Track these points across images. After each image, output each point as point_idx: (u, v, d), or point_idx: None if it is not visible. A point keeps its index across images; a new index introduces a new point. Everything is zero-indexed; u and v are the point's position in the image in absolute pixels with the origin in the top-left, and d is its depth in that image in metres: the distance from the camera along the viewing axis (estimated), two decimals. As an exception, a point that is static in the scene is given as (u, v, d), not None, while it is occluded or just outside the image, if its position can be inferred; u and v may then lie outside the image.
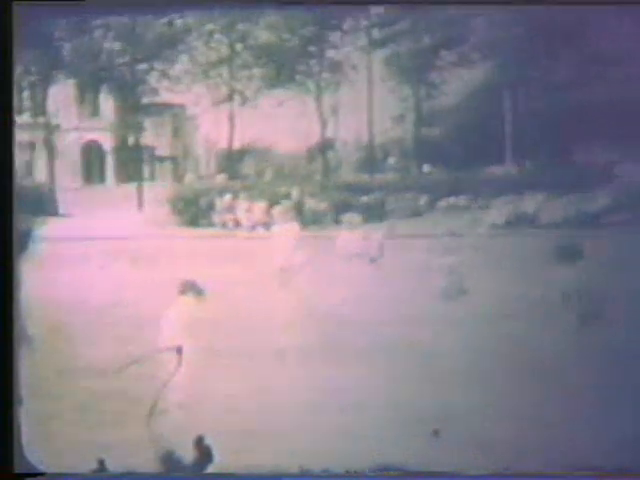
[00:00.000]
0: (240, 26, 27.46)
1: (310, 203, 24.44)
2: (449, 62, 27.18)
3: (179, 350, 10.30)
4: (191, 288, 12.86)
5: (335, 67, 27.74)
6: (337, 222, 23.85)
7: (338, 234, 22.00)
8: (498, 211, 22.92)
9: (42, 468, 8.85)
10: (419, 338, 13.42)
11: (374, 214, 24.20)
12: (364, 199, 24.59)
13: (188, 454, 8.84)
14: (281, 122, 26.10)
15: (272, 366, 10.99)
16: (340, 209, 24.12)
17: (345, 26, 28.01)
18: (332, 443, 8.97)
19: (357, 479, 8.29)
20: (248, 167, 26.86)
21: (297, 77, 27.62)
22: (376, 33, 27.78)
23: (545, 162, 24.37)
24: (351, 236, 21.86)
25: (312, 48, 27.82)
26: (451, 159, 25.65)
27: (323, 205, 24.44)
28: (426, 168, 26.31)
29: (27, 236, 16.37)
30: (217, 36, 27.38)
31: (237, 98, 27.43)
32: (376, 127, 27.17)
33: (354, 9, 27.82)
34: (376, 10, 27.90)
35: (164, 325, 11.72)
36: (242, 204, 24.44)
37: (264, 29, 27.62)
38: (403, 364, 11.89)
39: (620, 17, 24.39)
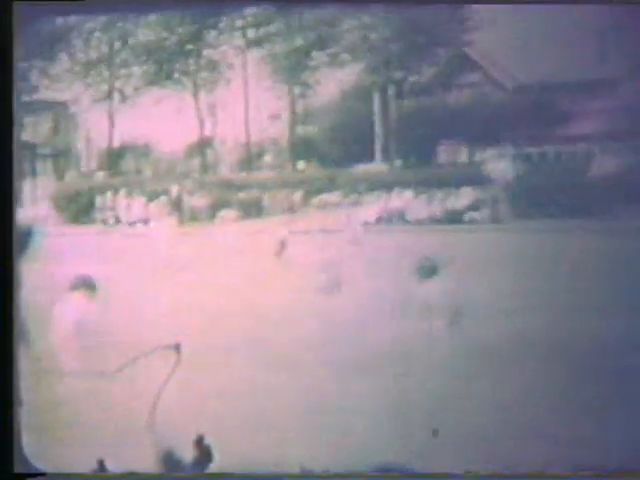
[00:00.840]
0: (120, 25, 27.74)
1: (189, 200, 25.01)
2: (321, 62, 27.92)
3: (177, 348, 10.18)
4: (83, 284, 12.95)
5: (212, 66, 28.18)
6: (215, 218, 24.39)
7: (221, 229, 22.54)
8: (369, 207, 23.80)
9: (42, 468, 8.83)
10: (300, 333, 13.55)
11: (250, 210, 24.88)
12: (241, 196, 25.29)
13: (188, 454, 8.75)
14: (160, 120, 26.44)
15: (167, 362, 11.04)
16: (218, 206, 24.69)
17: (221, 25, 28.50)
18: (332, 443, 8.96)
19: (357, 479, 8.29)
20: (128, 164, 27.12)
21: (175, 75, 28.02)
22: (251, 33, 28.30)
23: (413, 161, 25.36)
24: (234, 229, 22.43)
25: (190, 47, 28.21)
26: (324, 157, 26.43)
27: (201, 202, 24.97)
28: (300, 165, 27.12)
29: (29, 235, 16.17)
30: (97, 34, 27.63)
31: (117, 96, 27.79)
32: (253, 125, 27.80)
33: (230, 8, 28.36)
34: (251, 10, 28.43)
35: (57, 322, 11.79)
36: (122, 201, 24.87)
37: (144, 28, 27.98)
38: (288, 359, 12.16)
39: (493, 18, 25.68)
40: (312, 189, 25.03)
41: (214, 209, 24.55)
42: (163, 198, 24.57)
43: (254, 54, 28.15)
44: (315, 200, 24.65)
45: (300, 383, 10.68)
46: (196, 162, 27.35)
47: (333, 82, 27.61)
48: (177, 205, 24.50)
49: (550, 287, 16.54)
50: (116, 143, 27.00)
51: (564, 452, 8.27)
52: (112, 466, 8.69)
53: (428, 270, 15.03)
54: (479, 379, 10.67)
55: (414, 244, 20.40)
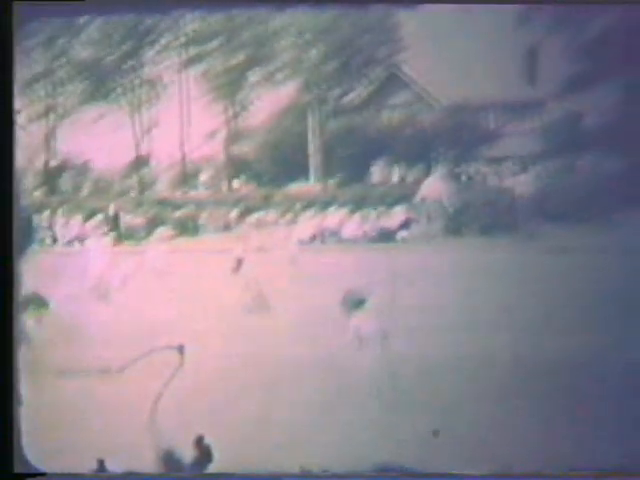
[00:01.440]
0: (60, 41, 27.74)
1: (126, 218, 25.17)
2: (257, 81, 28.22)
3: (180, 349, 10.13)
4: (34, 301, 12.93)
5: (150, 83, 28.31)
6: (151, 236, 24.52)
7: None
8: (304, 226, 24.12)
9: (42, 468, 8.98)
10: (228, 352, 13.54)
11: (187, 228, 25.11)
12: (177, 214, 25.61)
13: (188, 454, 8.66)
14: (98, 138, 26.50)
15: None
16: (154, 224, 24.84)
17: (162, 42, 28.63)
18: (332, 443, 8.91)
19: (357, 479, 8.43)
20: (65, 183, 27.14)
21: (114, 93, 28.16)
22: (189, 51, 28.50)
23: (347, 180, 25.74)
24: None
25: (129, 64, 28.29)
26: (260, 175, 26.72)
27: (138, 220, 25.16)
28: (236, 184, 27.39)
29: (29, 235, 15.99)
30: (38, 50, 27.56)
31: (55, 113, 27.85)
32: (189, 144, 27.92)
33: (170, 25, 28.54)
34: (191, 27, 28.61)
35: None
36: (60, 220, 24.95)
37: (84, 44, 28.01)
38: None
39: (425, 39, 26.20)
40: (248, 208, 25.29)
41: (150, 227, 24.69)
42: (100, 216, 24.73)
43: (191, 72, 28.35)
44: (251, 219, 24.88)
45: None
46: (133, 180, 27.54)
47: (269, 101, 27.94)
48: (114, 223, 24.69)
49: (482, 303, 16.84)
50: (53, 162, 27.08)
51: (564, 452, 8.49)
52: (112, 466, 8.70)
53: (355, 302, 15.41)
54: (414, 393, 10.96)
55: (348, 263, 20.75)
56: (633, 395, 9.31)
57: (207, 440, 8.80)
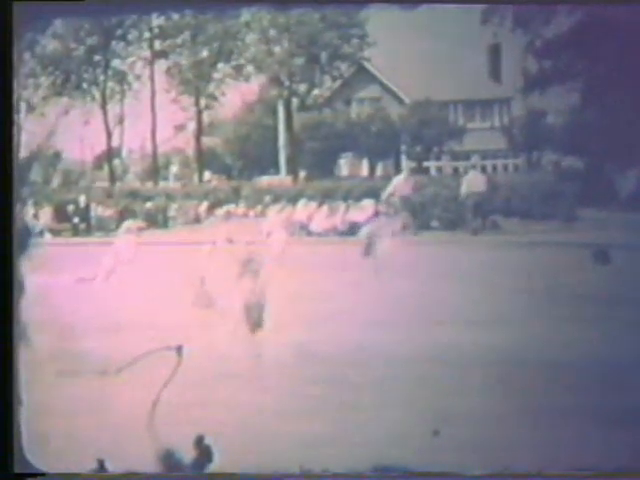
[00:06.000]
0: (27, 35, 27.39)
1: (96, 210, 25.23)
2: (226, 74, 28.47)
3: (179, 349, 9.98)
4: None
5: (119, 76, 28.59)
6: (119, 228, 24.49)
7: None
8: (274, 218, 24.22)
9: (42, 468, 8.67)
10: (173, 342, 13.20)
11: (156, 220, 25.19)
12: (147, 206, 25.57)
13: (188, 454, 8.45)
14: (68, 130, 26.58)
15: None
16: (124, 216, 24.82)
17: (129, 37, 28.84)
18: (332, 443, 8.90)
19: (357, 479, 8.34)
20: (36, 174, 27.09)
21: (83, 85, 28.33)
22: (158, 44, 28.68)
23: (316, 173, 26.03)
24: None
25: (97, 57, 28.53)
26: (230, 168, 26.90)
27: (108, 212, 25.21)
28: (206, 176, 27.54)
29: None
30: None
31: (23, 106, 27.68)
32: (159, 136, 28.35)
33: (137, 20, 28.65)
34: (157, 22, 28.76)
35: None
36: (29, 211, 24.92)
37: (50, 38, 28.06)
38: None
39: (392, 35, 26.53)
40: (217, 200, 25.43)
41: (121, 219, 24.67)
42: (70, 208, 24.76)
43: (161, 65, 28.65)
44: (220, 211, 24.96)
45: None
46: (104, 172, 27.59)
47: (238, 94, 28.22)
48: (84, 215, 24.74)
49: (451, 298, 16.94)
50: (23, 153, 26.85)
51: (564, 452, 8.55)
52: (112, 466, 8.58)
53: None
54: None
55: (317, 256, 20.87)
56: (633, 394, 9.55)
57: (207, 440, 8.76)
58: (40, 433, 9.07)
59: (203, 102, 28.27)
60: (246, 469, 8.46)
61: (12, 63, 9.26)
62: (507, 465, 8.01)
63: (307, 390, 10.46)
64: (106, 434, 9.31)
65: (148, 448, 8.90)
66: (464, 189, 22.60)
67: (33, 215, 24.92)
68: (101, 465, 8.89)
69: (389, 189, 22.89)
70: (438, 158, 26.72)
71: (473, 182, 22.73)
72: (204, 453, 9.07)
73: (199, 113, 28.26)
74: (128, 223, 23.32)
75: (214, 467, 8.73)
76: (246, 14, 26.99)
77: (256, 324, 13.03)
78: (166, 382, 9.64)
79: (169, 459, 9.23)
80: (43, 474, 8.94)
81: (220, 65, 28.21)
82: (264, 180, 26.73)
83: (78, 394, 10.24)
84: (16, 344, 9.20)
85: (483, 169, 24.91)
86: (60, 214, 24.90)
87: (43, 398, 9.73)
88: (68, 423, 9.48)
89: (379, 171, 25.84)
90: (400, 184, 23.16)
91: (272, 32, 27.43)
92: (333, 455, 8.53)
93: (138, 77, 28.34)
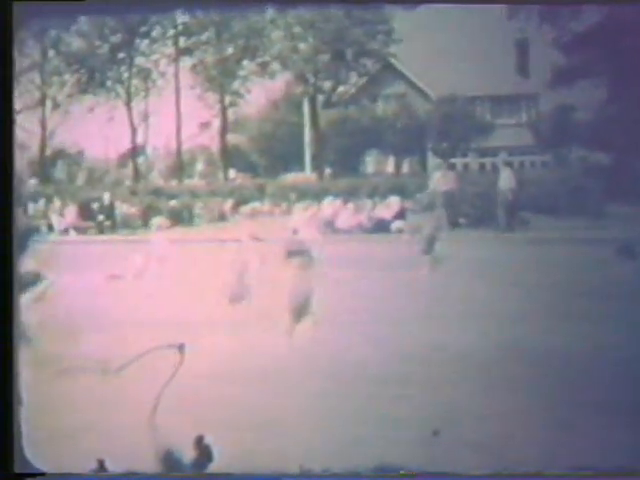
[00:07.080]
0: (52, 33, 27.75)
1: (121, 207, 25.16)
2: (252, 72, 28.38)
3: (181, 348, 9.86)
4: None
5: (144, 74, 28.59)
6: (147, 226, 24.48)
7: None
8: (299, 216, 24.07)
9: (42, 468, 8.52)
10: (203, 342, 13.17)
11: (182, 218, 25.07)
12: (172, 203, 25.54)
13: (188, 454, 8.39)
14: (92, 127, 26.54)
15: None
16: (150, 213, 24.75)
17: (154, 34, 28.80)
18: (332, 443, 8.81)
19: (357, 479, 8.26)
20: (60, 172, 27.05)
21: (107, 83, 28.32)
22: (183, 42, 28.63)
23: (342, 170, 25.84)
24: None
25: (122, 55, 28.56)
26: (255, 166, 26.77)
27: (133, 209, 25.14)
28: (231, 174, 27.37)
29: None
30: (29, 42, 27.51)
31: (48, 103, 27.90)
32: (184, 133, 28.28)
33: (162, 17, 28.56)
34: (182, 19, 28.71)
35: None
36: (55, 208, 24.89)
37: (75, 35, 28.07)
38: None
39: (418, 31, 26.36)
40: (242, 198, 25.30)
41: (146, 217, 24.60)
42: (95, 205, 24.69)
43: (185, 63, 28.62)
44: (245, 209, 24.82)
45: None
46: (129, 170, 27.50)
47: (263, 91, 28.10)
48: (109, 213, 24.67)
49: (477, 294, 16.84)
50: (48, 151, 27.02)
51: (564, 452, 8.45)
52: (112, 466, 8.52)
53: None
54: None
55: (343, 253, 20.73)
56: (633, 393, 9.36)
57: (207, 440, 8.63)
58: (40, 433, 9.01)
59: (228, 99, 28.19)
60: (246, 469, 8.50)
61: (12, 63, 9.19)
62: (507, 465, 7.92)
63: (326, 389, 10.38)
64: (106, 434, 9.25)
65: (148, 448, 8.83)
66: (501, 185, 22.43)
67: (59, 213, 24.94)
68: (101, 465, 8.77)
69: (431, 184, 22.72)
70: (464, 155, 26.49)
71: (507, 179, 22.54)
72: (204, 453, 9.06)
73: (224, 110, 28.17)
74: (157, 220, 23.23)
75: (214, 467, 8.75)
76: (271, 11, 26.92)
77: (298, 319, 12.93)
78: (167, 381, 9.49)
79: (169, 459, 9.16)
80: (43, 474, 8.84)
81: (245, 62, 28.14)
82: (289, 177, 26.66)
83: (78, 394, 10.17)
84: (16, 344, 9.15)
85: (510, 165, 24.65)
86: (85, 212, 24.83)
87: (43, 398, 9.67)
88: (68, 423, 9.43)
89: (405, 168, 25.66)
90: (442, 179, 22.97)
91: (297, 29, 27.29)
92: (333, 455, 8.47)
93: (162, 74, 28.33)
